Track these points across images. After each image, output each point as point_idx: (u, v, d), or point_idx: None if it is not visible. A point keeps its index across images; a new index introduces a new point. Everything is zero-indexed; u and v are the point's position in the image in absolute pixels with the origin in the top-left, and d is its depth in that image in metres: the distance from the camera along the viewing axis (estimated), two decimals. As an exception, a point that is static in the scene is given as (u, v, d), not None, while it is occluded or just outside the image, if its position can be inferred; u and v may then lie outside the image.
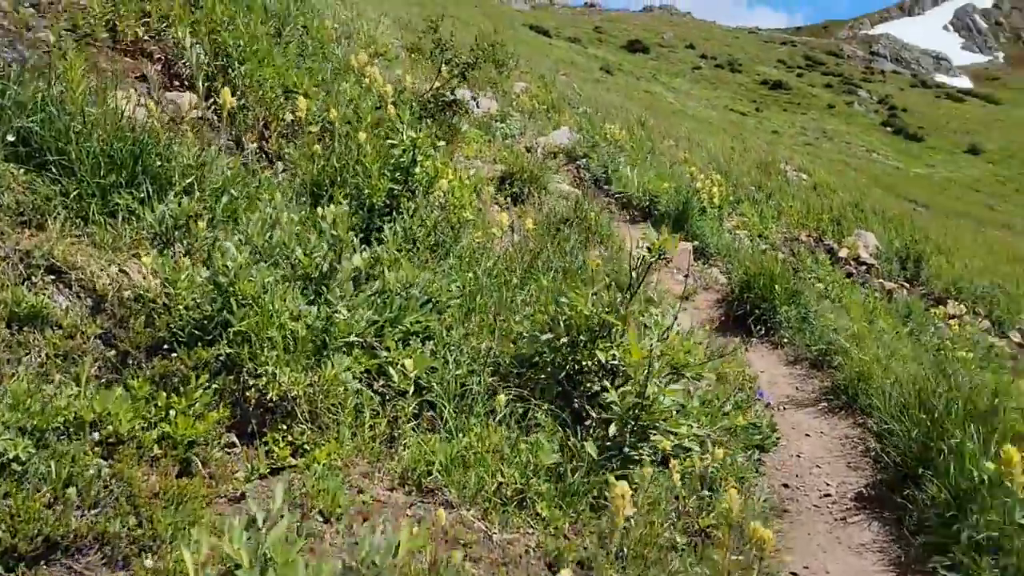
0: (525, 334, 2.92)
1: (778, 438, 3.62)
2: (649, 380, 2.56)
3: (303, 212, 3.21)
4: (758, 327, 5.06)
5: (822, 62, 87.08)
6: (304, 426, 2.33)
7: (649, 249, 2.87)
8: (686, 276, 6.07)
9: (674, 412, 2.72)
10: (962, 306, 8.70)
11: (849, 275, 7.96)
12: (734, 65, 76.36)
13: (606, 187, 8.03)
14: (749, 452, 3.19)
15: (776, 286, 5.02)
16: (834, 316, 5.04)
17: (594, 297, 2.84)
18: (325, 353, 2.50)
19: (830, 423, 4.06)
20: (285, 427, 2.33)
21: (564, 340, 2.78)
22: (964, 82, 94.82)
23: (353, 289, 2.76)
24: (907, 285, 8.64)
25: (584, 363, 2.77)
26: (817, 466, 3.58)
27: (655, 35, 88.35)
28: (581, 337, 2.77)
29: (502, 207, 5.63)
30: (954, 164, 54.93)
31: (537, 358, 2.87)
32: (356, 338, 2.63)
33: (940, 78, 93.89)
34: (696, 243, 6.51)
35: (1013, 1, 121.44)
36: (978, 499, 2.52)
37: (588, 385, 2.80)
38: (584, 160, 8.11)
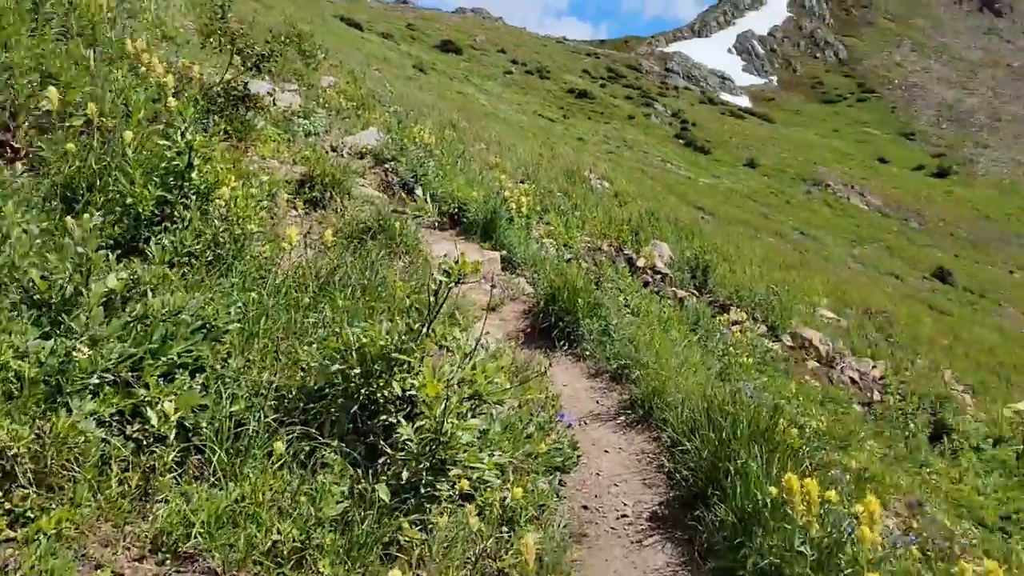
0: (315, 363, 2.65)
1: (579, 456, 3.63)
2: (447, 414, 2.40)
3: (48, 223, 2.71)
4: (562, 341, 5.13)
5: (623, 75, 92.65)
6: (28, 489, 1.92)
7: (447, 273, 2.71)
8: (493, 286, 6.04)
9: (475, 441, 2.59)
10: (743, 313, 9.46)
11: (646, 284, 8.36)
12: (543, 72, 79.17)
13: (416, 192, 7.83)
14: (551, 476, 3.15)
15: (579, 299, 5.11)
16: (633, 328, 5.21)
17: (389, 325, 2.63)
18: (61, 396, 2.09)
19: (628, 438, 4.16)
20: (1, 493, 1.90)
21: (357, 370, 2.55)
22: (745, 101, 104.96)
23: (104, 316, 2.35)
24: (696, 293, 9.25)
25: (379, 395, 2.56)
26: (615, 484, 3.63)
27: (468, 37, 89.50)
28: (376, 367, 2.56)
29: (300, 213, 5.26)
30: (736, 176, 60.37)
31: (328, 389, 2.61)
32: (107, 375, 2.23)
33: (725, 96, 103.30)
34: (504, 252, 6.50)
35: (784, 31, 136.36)
36: (762, 523, 2.62)
37: (384, 418, 2.58)
38: (393, 163, 7.85)
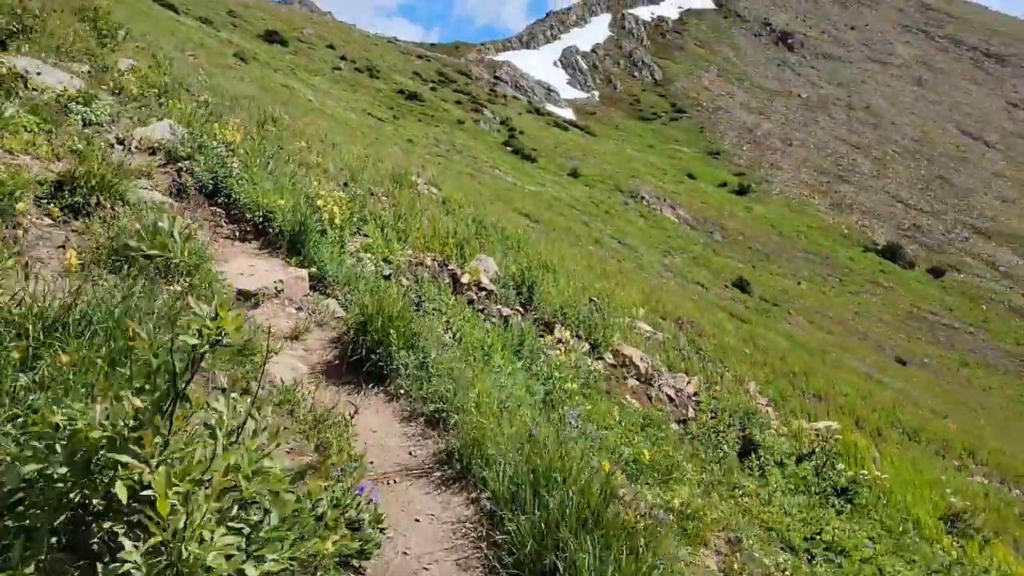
0: (10, 457, 1.92)
1: (384, 528, 3.10)
2: (192, 526, 1.78)
3: None
4: (373, 377, 4.54)
5: (453, 80, 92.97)
6: None
7: (201, 333, 2.07)
8: (299, 309, 5.35)
9: (236, 552, 1.98)
10: (567, 331, 9.34)
11: (471, 302, 7.95)
12: (373, 71, 77.64)
13: (215, 197, 6.92)
14: (347, 567, 2.60)
15: (393, 329, 4.55)
16: (451, 360, 4.74)
17: (116, 405, 1.96)
18: None
19: (443, 500, 3.66)
20: None
21: (64, 470, 1.86)
22: (569, 113, 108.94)
23: None
24: (522, 310, 8.99)
25: (95, 501, 1.89)
26: (426, 568, 3.13)
27: (294, 29, 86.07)
28: (96, 461, 1.88)
29: (52, 224, 4.28)
30: (560, 185, 62.28)
31: (24, 494, 1.89)
32: None
33: (550, 107, 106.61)
34: (314, 269, 5.79)
35: (606, 50, 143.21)
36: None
37: (110, 526, 1.91)
38: (188, 163, 6.88)
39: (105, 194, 4.63)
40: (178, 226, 4.06)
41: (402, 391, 4.49)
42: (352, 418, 3.76)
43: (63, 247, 4.09)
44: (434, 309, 6.26)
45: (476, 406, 4.13)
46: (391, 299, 4.80)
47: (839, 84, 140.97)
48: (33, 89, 7.71)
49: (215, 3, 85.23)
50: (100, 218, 4.58)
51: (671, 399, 10.04)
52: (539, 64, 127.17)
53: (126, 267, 3.90)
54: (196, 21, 58.23)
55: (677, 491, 5.35)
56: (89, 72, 12.49)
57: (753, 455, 9.33)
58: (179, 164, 6.82)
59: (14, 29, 11.81)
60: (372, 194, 14.88)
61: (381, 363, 4.56)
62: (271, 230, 6.23)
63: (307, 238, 5.94)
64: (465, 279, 7.96)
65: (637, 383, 9.62)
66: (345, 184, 14.18)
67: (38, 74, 7.29)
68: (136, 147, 7.80)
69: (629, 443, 6.18)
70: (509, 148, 68.76)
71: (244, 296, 5.08)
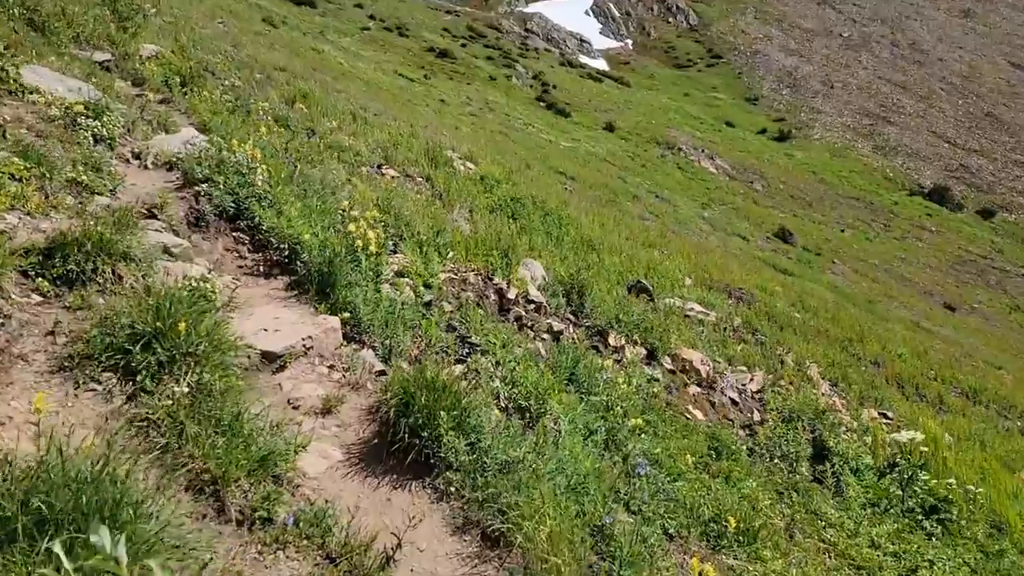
0: None
1: None
2: None
3: None
4: (416, 474, 3.87)
5: (484, 35, 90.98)
6: None
7: None
8: (330, 368, 4.72)
9: None
10: (622, 337, 8.64)
11: (518, 319, 7.28)
12: (403, 29, 76.21)
13: (237, 220, 6.29)
14: None
15: (441, 409, 3.88)
16: (506, 442, 4.06)
17: None
18: None
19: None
20: None
21: None
22: (602, 64, 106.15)
23: None
24: (573, 319, 8.30)
25: None
26: None
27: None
28: None
29: (40, 302, 3.67)
30: (595, 139, 60.89)
31: None
32: None
33: (583, 59, 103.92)
34: (346, 315, 5.15)
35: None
36: None
37: None
38: (206, 186, 6.24)
39: (103, 256, 4.01)
40: (182, 299, 3.42)
41: (453, 488, 3.84)
42: (395, 553, 3.14)
43: (53, 333, 3.49)
44: (482, 350, 5.59)
45: (543, 507, 3.46)
46: (436, 370, 4.12)
47: (882, 20, 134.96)
48: (45, 104, 7.13)
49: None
50: (99, 286, 3.97)
51: (734, 402, 9.33)
52: (570, 14, 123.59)
53: (124, 365, 3.29)
54: (222, -14, 57.35)
55: (769, 563, 4.69)
56: (110, 61, 11.89)
57: (826, 462, 8.62)
58: (196, 188, 6.17)
59: (34, 22, 11.23)
60: (408, 176, 14.19)
61: (427, 449, 3.91)
62: (299, 264, 5.58)
63: (337, 278, 5.27)
64: (512, 293, 7.27)
65: (699, 389, 8.92)
66: (379, 166, 13.53)
67: (16, 93, 6.68)
68: (152, 163, 7.18)
69: (705, 489, 5.52)
70: (542, 103, 67.21)
71: (269, 358, 4.46)
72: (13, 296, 3.52)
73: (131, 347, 3.37)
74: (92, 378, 3.30)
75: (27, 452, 2.45)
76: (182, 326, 3.40)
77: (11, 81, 7.16)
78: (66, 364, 3.32)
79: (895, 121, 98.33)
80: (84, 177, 5.46)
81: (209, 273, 4.72)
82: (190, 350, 3.45)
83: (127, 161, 7.17)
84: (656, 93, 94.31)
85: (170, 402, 3.19)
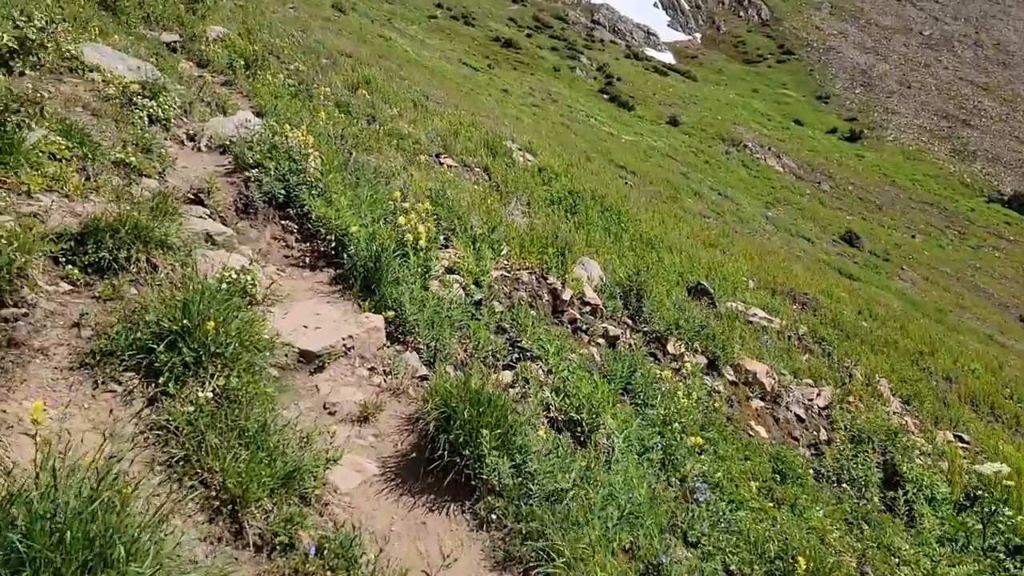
0: None
1: None
2: None
3: None
4: (456, 496, 3.54)
5: (549, 25, 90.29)
6: None
7: None
8: (371, 371, 4.44)
9: None
10: (682, 345, 8.19)
11: (573, 322, 6.92)
12: (469, 19, 76.14)
13: (287, 208, 6.08)
14: None
15: (483, 427, 3.54)
16: (555, 465, 3.70)
17: None
18: None
19: None
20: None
21: None
22: (669, 57, 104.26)
23: None
24: (630, 323, 7.88)
25: None
26: None
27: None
28: None
29: (74, 288, 3.46)
30: (657, 133, 59.84)
31: None
32: None
33: (649, 51, 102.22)
34: (391, 313, 4.86)
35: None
36: None
37: None
38: (257, 171, 6.04)
39: (139, 244, 3.78)
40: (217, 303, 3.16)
41: (494, 516, 3.50)
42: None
43: (78, 325, 3.28)
44: (532, 356, 5.24)
45: (588, 568, 3.08)
46: (480, 382, 3.78)
47: (965, 19, 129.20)
48: (103, 82, 7.04)
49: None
50: (133, 275, 3.75)
51: (800, 419, 8.78)
52: (639, 6, 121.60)
53: (148, 363, 3.05)
54: (296, -29, 58.17)
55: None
56: (177, 42, 11.92)
57: (898, 489, 8.03)
58: (247, 173, 5.97)
59: (106, 2, 11.31)
60: (466, 166, 13.92)
61: (468, 470, 3.58)
62: (345, 257, 5.31)
63: (384, 274, 4.98)
64: (567, 295, 6.90)
65: (762, 404, 8.40)
66: (438, 155, 13.28)
67: (76, 70, 6.56)
68: (206, 145, 7.03)
69: (770, 520, 5.07)
70: (605, 96, 66.33)
71: (307, 358, 4.20)
72: (40, 284, 3.32)
73: (155, 345, 3.13)
74: (112, 378, 3.07)
75: (31, 461, 2.22)
76: (210, 325, 3.15)
77: (71, 59, 7.09)
78: (87, 361, 3.11)
79: (975, 124, 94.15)
80: (132, 158, 5.30)
81: (251, 264, 4.49)
82: (218, 351, 3.20)
83: (181, 143, 7.04)
84: (723, 88, 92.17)
85: (192, 408, 2.94)
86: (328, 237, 5.48)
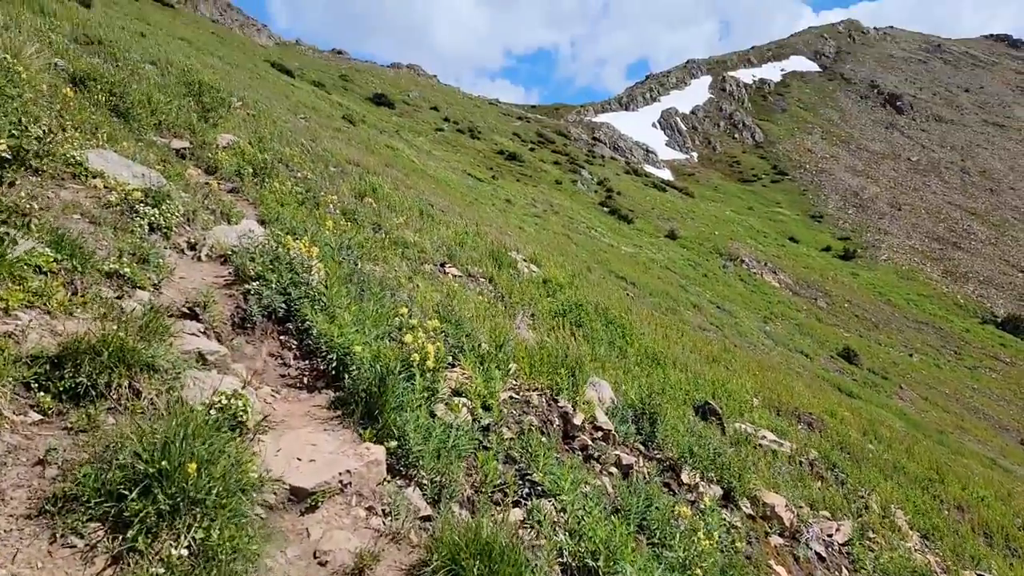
0: None
1: None
2: None
3: None
4: None
5: (552, 140, 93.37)
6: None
7: None
8: (368, 511, 4.00)
9: None
10: (696, 474, 7.72)
11: (585, 448, 6.49)
12: (474, 132, 78.80)
13: (286, 322, 5.77)
14: None
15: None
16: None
17: None
18: None
19: None
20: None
21: None
22: (667, 174, 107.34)
23: None
24: (642, 448, 7.45)
25: None
26: None
27: (401, 91, 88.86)
28: None
29: (45, 418, 3.10)
30: (656, 246, 60.63)
31: None
32: None
33: (648, 168, 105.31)
34: (393, 443, 4.48)
35: (706, 111, 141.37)
36: None
37: None
38: (258, 283, 5.77)
39: (121, 367, 3.44)
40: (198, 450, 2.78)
41: None
42: None
43: (42, 463, 2.90)
44: (543, 491, 4.81)
45: None
46: (493, 530, 3.37)
47: (952, 147, 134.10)
48: (105, 189, 6.89)
49: (329, 67, 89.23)
50: (112, 402, 3.39)
51: (821, 558, 8.18)
52: (638, 125, 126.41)
53: (109, 519, 2.64)
54: (310, 85, 60.63)
55: None
56: (187, 149, 11.95)
57: (930, 643, 7.37)
58: (247, 286, 5.70)
59: (119, 109, 11.39)
60: (470, 275, 13.74)
61: (478, 639, 3.12)
62: (347, 378, 4.96)
63: (387, 399, 4.62)
64: (578, 419, 6.51)
65: (781, 540, 7.84)
66: (442, 264, 13.13)
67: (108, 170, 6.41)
68: (207, 255, 6.81)
69: None
70: (606, 208, 67.65)
71: (298, 495, 3.78)
72: (5, 414, 2.95)
73: (127, 492, 2.73)
74: (74, 530, 2.65)
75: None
76: (192, 467, 2.76)
77: (75, 165, 6.97)
78: (47, 508, 2.70)
79: (966, 247, 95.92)
80: (127, 269, 5.03)
81: (244, 388, 4.12)
82: (199, 497, 2.79)
83: (181, 252, 6.81)
84: (719, 205, 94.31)
85: (162, 570, 2.51)
86: (329, 356, 5.14)
